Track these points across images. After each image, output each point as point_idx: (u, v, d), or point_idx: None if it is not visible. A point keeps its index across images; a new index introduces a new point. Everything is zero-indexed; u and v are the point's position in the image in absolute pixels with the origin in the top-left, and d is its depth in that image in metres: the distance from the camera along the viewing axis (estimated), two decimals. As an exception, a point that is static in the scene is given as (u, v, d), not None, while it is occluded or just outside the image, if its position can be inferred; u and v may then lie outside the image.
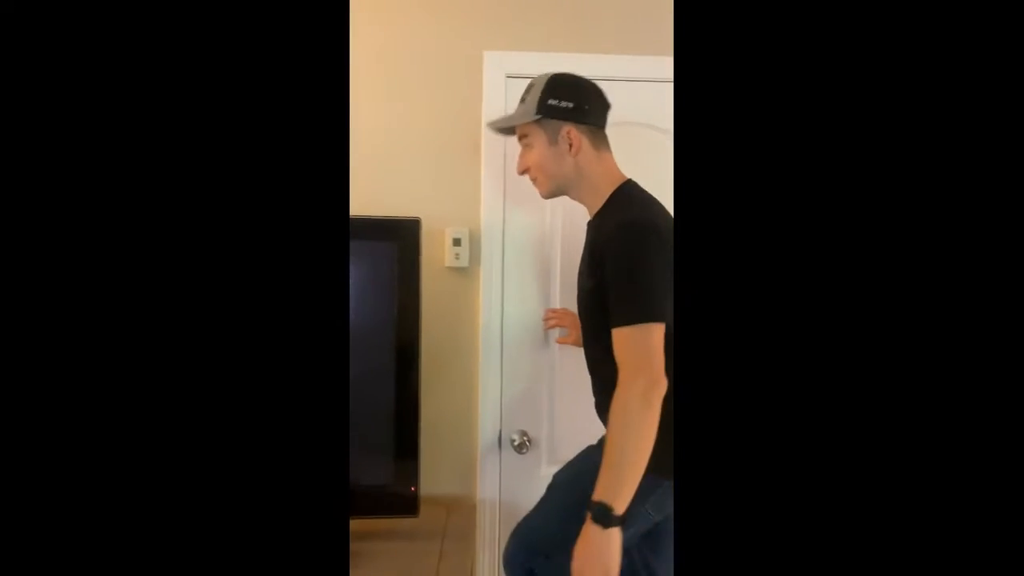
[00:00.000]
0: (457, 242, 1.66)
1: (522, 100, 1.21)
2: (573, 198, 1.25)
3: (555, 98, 1.15)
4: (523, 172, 1.24)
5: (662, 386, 0.99)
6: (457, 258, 1.66)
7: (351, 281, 1.54)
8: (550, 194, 1.23)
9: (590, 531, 1.00)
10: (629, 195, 1.16)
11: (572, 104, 1.15)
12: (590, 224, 1.21)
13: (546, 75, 1.20)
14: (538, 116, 1.16)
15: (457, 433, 1.70)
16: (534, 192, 1.69)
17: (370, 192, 1.65)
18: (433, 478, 1.66)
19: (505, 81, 1.66)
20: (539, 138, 1.18)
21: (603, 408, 1.17)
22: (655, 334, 1.01)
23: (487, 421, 1.69)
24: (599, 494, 1.01)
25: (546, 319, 1.68)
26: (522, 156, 1.23)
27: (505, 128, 1.27)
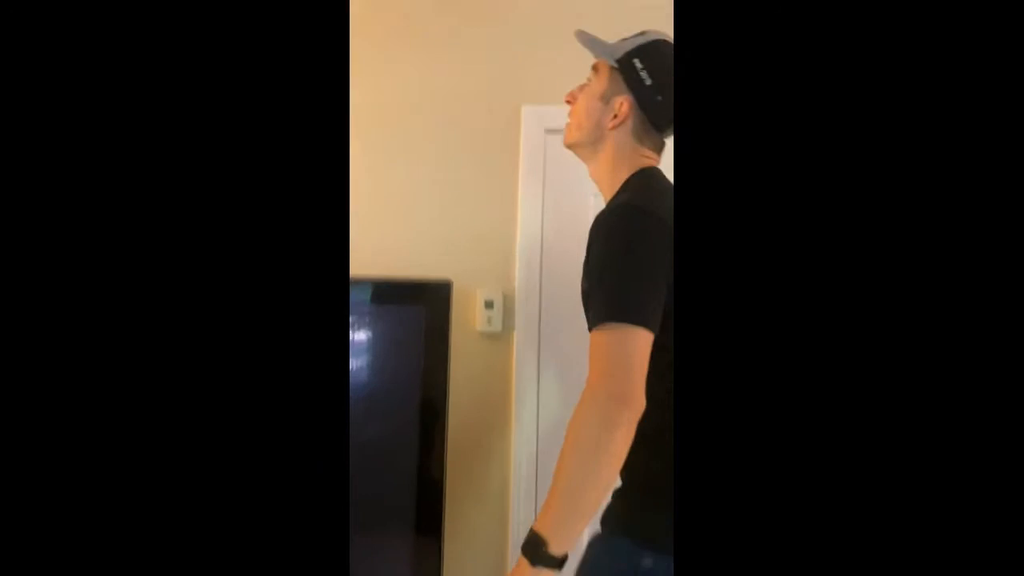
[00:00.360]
0: (489, 304, 1.52)
1: (624, 39, 1.05)
2: (591, 174, 1.07)
3: (641, 62, 1.00)
4: (568, 102, 1.09)
5: (634, 405, 0.79)
6: (489, 322, 1.52)
7: (374, 347, 1.42)
8: (571, 143, 1.07)
9: (518, 567, 0.82)
10: (642, 182, 0.98)
11: (650, 81, 0.99)
12: None
13: (659, 35, 1.04)
14: (615, 65, 1.02)
15: (486, 526, 1.50)
16: (575, 252, 1.58)
17: (400, 252, 1.54)
18: (457, 576, 1.45)
19: (544, 136, 1.58)
20: (600, 84, 1.03)
21: None
22: (632, 340, 0.81)
23: (520, 513, 1.49)
24: (537, 523, 0.83)
25: None
26: (581, 86, 1.08)
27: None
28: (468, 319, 1.52)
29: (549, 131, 1.57)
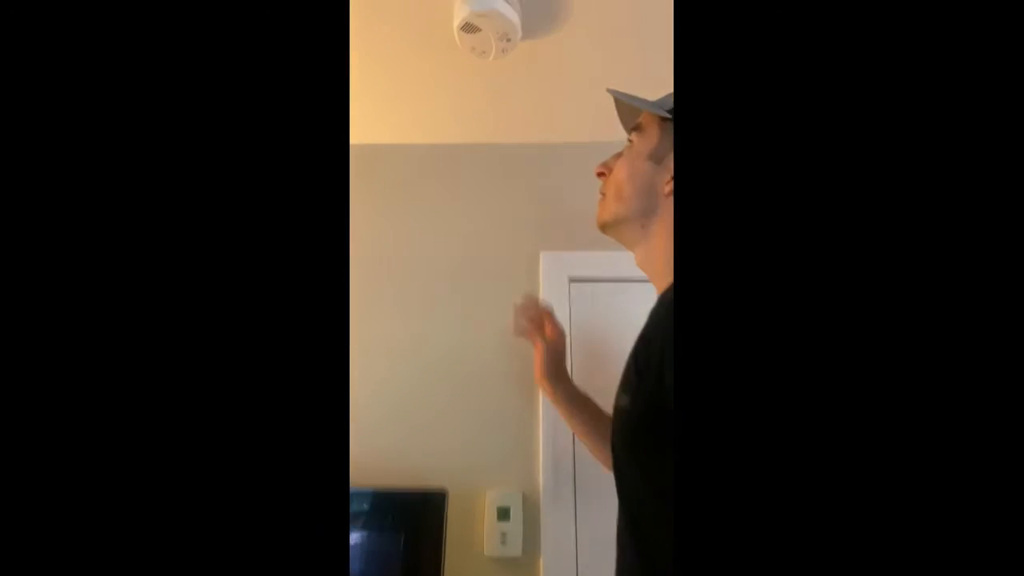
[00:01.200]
0: (504, 514, 1.11)
1: (669, 93, 0.83)
2: (637, 259, 0.80)
3: None
4: (599, 174, 0.85)
5: None
6: (504, 541, 1.09)
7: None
8: (610, 221, 0.81)
9: None
10: None
11: None
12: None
13: None
14: (667, 115, 0.78)
15: None
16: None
17: (397, 458, 1.18)
18: None
19: (568, 285, 1.27)
20: (646, 143, 0.79)
21: None
22: None
23: None
24: None
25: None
26: (616, 156, 0.84)
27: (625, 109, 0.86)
28: (475, 539, 1.10)
29: (574, 280, 1.27)
